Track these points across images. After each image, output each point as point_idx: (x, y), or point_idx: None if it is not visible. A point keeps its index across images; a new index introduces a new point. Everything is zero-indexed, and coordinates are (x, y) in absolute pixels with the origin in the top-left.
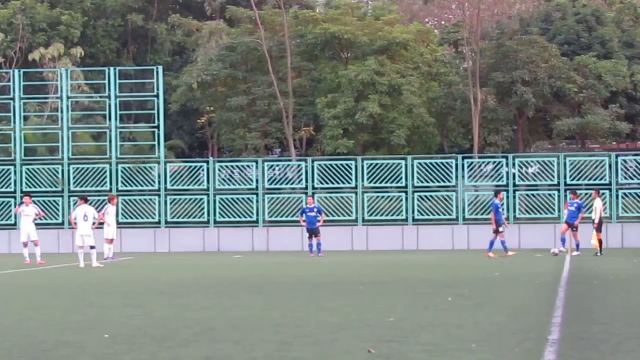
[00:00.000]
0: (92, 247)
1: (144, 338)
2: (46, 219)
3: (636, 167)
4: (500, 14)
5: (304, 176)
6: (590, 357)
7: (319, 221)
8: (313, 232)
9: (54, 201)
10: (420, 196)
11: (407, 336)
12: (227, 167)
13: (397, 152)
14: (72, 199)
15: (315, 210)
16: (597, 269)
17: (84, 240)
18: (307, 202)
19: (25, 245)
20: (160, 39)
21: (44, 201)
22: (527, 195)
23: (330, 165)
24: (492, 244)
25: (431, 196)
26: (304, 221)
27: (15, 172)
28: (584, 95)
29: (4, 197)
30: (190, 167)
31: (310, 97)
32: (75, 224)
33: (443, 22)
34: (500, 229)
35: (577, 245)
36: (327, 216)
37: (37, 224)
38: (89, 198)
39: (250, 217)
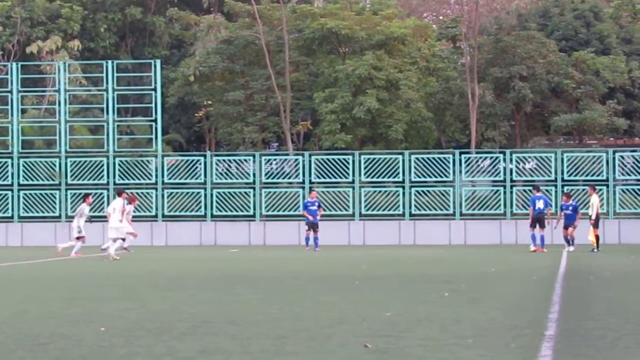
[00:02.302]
0: (114, 240)
1: (139, 331)
2: (44, 212)
3: (633, 163)
4: (499, 9)
5: (300, 170)
6: (586, 352)
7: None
8: (313, 226)
9: (51, 194)
10: (417, 191)
11: (404, 331)
12: (224, 160)
13: (394, 146)
14: (69, 192)
15: (317, 204)
16: (593, 265)
17: (110, 232)
18: (309, 196)
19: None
20: (158, 32)
21: (41, 194)
22: (524, 190)
23: (328, 159)
24: (542, 238)
25: (428, 191)
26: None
27: (12, 164)
28: (582, 91)
29: (1, 189)
30: (188, 160)
31: (307, 91)
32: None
33: (441, 17)
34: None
35: (572, 240)
36: (325, 210)
37: (35, 217)
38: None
39: (247, 211)
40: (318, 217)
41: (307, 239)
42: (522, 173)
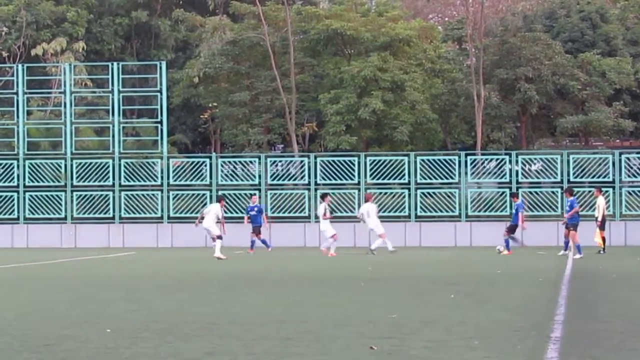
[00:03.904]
0: (219, 237)
1: (145, 332)
2: (50, 213)
3: (639, 164)
4: (504, 10)
5: (306, 172)
6: (592, 354)
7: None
8: (255, 230)
9: (57, 196)
10: (422, 193)
11: (409, 333)
12: (229, 162)
13: (400, 148)
14: (74, 193)
15: (256, 209)
16: (599, 267)
17: (208, 232)
18: (251, 201)
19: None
20: (163, 35)
21: (46, 196)
22: (530, 192)
23: (333, 161)
24: (507, 242)
25: (434, 193)
26: (249, 219)
27: (18, 166)
28: (588, 93)
29: (7, 191)
30: (193, 162)
31: (312, 92)
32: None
33: (446, 19)
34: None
35: (566, 244)
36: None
37: (40, 219)
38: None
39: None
40: (264, 222)
41: (253, 242)
42: (528, 175)
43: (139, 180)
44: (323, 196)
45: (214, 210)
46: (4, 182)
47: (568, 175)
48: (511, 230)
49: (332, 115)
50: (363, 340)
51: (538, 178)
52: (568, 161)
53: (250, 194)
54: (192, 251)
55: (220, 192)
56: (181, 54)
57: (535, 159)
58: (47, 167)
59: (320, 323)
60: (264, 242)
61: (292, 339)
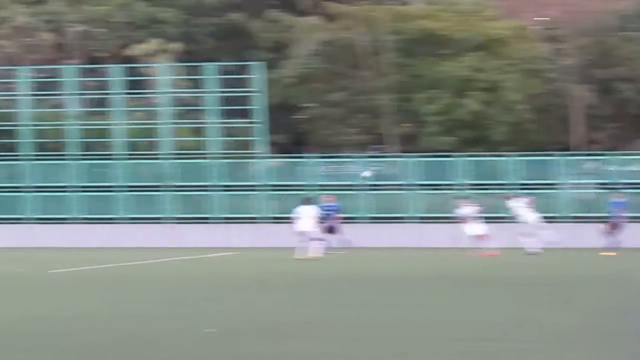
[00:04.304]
0: (319, 239)
1: (247, 332)
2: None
3: None
4: (601, 10)
5: (405, 172)
6: None
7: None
8: (329, 229)
9: (155, 196)
10: (520, 193)
11: (503, 334)
12: (327, 162)
13: (497, 149)
14: (171, 193)
15: (334, 209)
16: None
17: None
18: (325, 200)
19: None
20: (258, 35)
21: (145, 196)
22: (632, 193)
23: (431, 161)
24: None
25: (532, 193)
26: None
27: (115, 166)
28: None
29: (105, 191)
30: (291, 162)
31: (408, 93)
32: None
33: (543, 18)
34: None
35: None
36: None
37: (139, 218)
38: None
39: (353, 212)
40: (336, 221)
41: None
42: (628, 176)
43: (237, 181)
44: (458, 199)
45: (311, 212)
46: (102, 181)
47: None
48: (613, 227)
49: (429, 116)
50: (457, 342)
51: (639, 179)
52: None
53: (325, 194)
54: (293, 251)
55: (312, 194)
56: (276, 54)
57: (635, 159)
58: (144, 168)
59: (415, 324)
60: (342, 241)
61: (392, 339)
